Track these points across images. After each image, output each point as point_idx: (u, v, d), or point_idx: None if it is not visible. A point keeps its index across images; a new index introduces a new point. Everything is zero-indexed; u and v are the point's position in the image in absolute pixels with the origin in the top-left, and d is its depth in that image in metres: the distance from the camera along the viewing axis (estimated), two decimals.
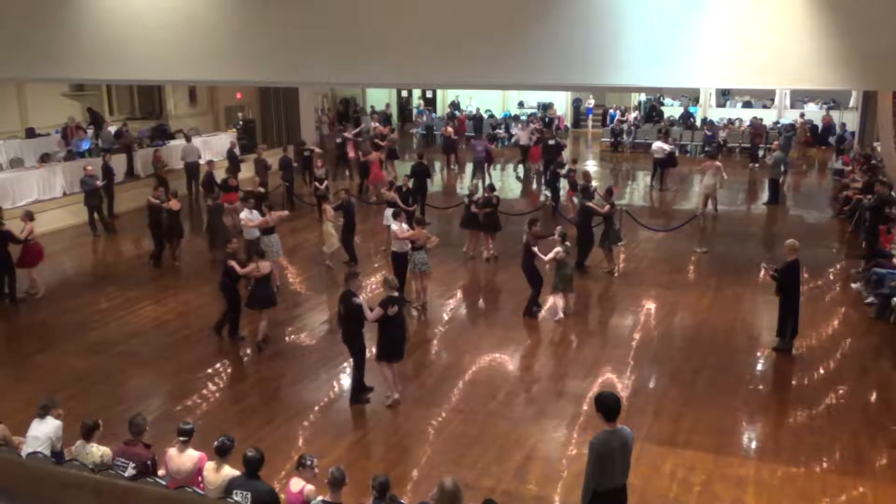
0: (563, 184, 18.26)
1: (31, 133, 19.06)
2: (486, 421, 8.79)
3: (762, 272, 13.54)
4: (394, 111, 33.09)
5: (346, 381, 9.35)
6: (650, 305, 12.45)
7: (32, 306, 12.62)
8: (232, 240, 11.76)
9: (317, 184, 17.23)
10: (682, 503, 7.30)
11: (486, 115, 30.54)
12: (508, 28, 8.41)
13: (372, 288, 13.10)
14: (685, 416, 8.83)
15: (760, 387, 9.73)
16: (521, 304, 11.95)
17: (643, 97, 31.26)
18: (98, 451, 6.50)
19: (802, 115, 27.82)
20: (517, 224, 15.28)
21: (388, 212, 14.11)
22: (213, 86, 23.10)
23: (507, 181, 23.28)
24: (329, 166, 19.06)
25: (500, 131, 29.09)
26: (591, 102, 31.86)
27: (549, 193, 18.97)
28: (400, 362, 9.24)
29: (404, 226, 12.31)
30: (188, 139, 20.52)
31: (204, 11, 9.53)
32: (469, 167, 23.82)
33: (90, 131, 19.97)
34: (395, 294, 8.94)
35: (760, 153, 25.25)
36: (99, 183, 16.66)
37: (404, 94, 34.21)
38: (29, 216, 12.79)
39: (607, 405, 5.81)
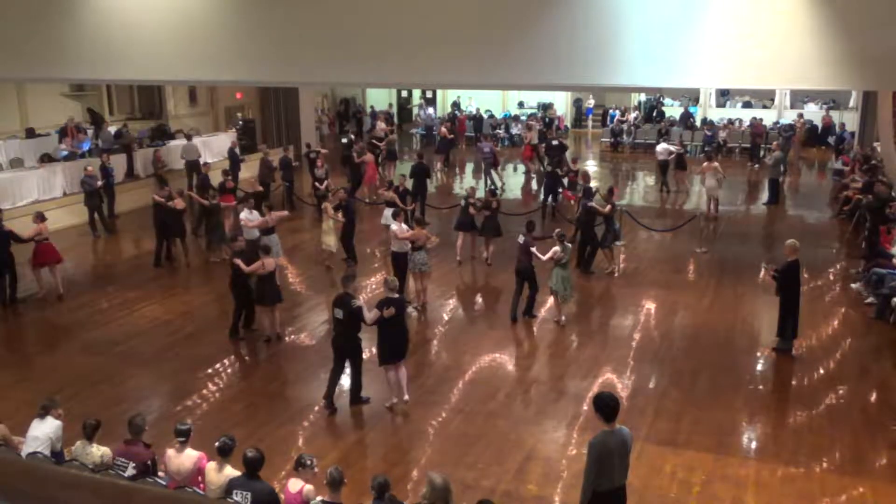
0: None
1: (31, 133, 19.04)
2: (486, 421, 8.79)
3: (762, 272, 13.55)
4: (394, 111, 33.13)
5: (345, 381, 9.35)
6: (650, 305, 12.45)
7: (33, 306, 12.61)
8: (237, 238, 11.77)
9: (317, 184, 17.25)
10: (682, 503, 7.30)
11: (486, 115, 30.55)
12: (508, 28, 8.41)
13: (371, 288, 13.11)
14: (685, 416, 8.83)
15: (760, 387, 9.73)
16: (520, 305, 11.91)
17: (643, 97, 31.25)
18: (98, 451, 6.50)
19: (801, 116, 27.83)
20: (518, 224, 15.26)
21: (387, 212, 14.12)
22: (213, 86, 23.09)
23: (517, 181, 23.29)
24: (329, 166, 19.03)
25: (500, 131, 29.09)
26: (591, 102, 31.85)
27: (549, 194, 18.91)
28: (404, 365, 9.18)
29: (404, 226, 12.31)
30: (189, 138, 20.55)
31: (204, 12, 9.52)
32: (469, 168, 23.83)
33: (90, 132, 19.96)
34: (394, 296, 8.90)
35: (761, 153, 25.28)
36: (99, 183, 16.69)
37: (404, 94, 34.21)
38: (40, 217, 12.83)
39: (606, 406, 5.82)
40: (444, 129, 24.67)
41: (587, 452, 5.83)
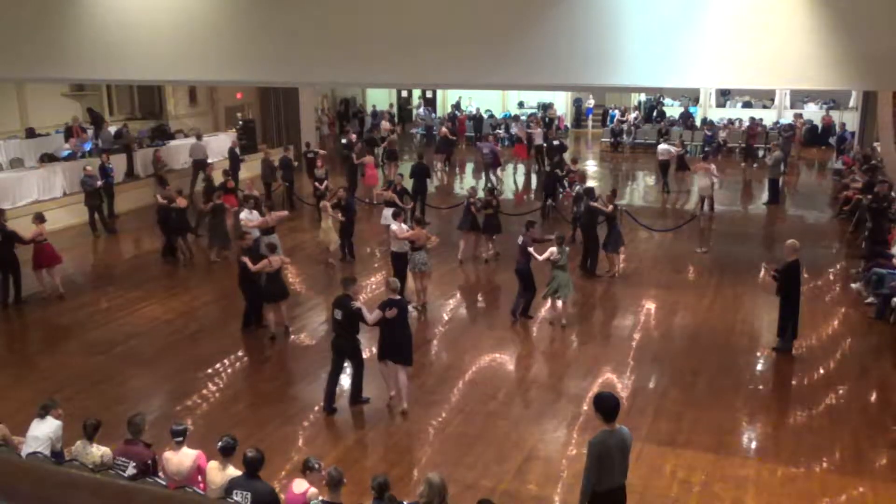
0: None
1: (31, 133, 19.04)
2: (486, 421, 8.79)
3: (762, 272, 13.54)
4: (395, 111, 33.14)
5: (346, 381, 9.35)
6: (650, 305, 12.45)
7: (33, 306, 12.61)
8: (245, 236, 11.80)
9: (317, 184, 17.26)
10: (682, 503, 7.30)
11: (486, 116, 30.54)
12: (508, 28, 8.41)
13: (371, 288, 13.11)
14: (685, 416, 8.83)
15: (760, 387, 9.73)
16: (522, 304, 11.90)
17: (643, 97, 31.24)
18: (98, 451, 6.50)
19: (801, 116, 27.83)
20: (517, 224, 15.27)
21: (387, 212, 14.14)
22: (213, 86, 23.10)
23: (518, 180, 23.28)
24: (329, 166, 19.06)
25: (500, 131, 29.08)
26: (591, 102, 31.85)
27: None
28: (410, 368, 9.13)
29: (404, 226, 12.31)
30: (198, 137, 20.75)
31: (204, 11, 9.52)
32: (469, 168, 23.84)
33: (90, 132, 19.96)
34: (396, 297, 8.92)
35: (760, 153, 25.26)
36: (99, 183, 16.69)
37: (404, 94, 34.21)
38: (40, 218, 12.84)
39: (606, 405, 5.82)
40: (445, 130, 24.68)
41: (587, 452, 5.84)
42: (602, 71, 8.38)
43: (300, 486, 5.99)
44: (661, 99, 30.88)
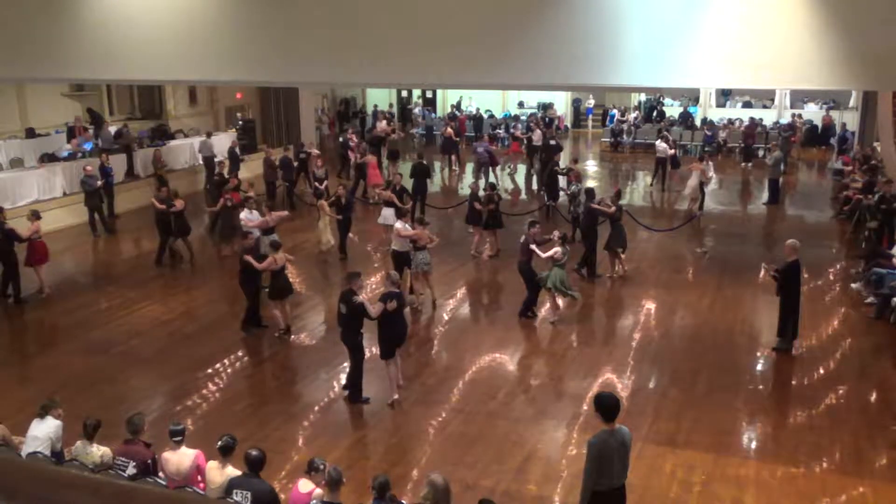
0: (562, 182, 18.20)
1: (31, 133, 19.04)
2: (486, 421, 8.79)
3: (762, 272, 13.54)
4: (395, 111, 33.15)
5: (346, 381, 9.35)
6: (650, 305, 12.45)
7: (33, 306, 12.61)
8: (248, 235, 11.81)
9: (317, 184, 17.26)
10: (682, 503, 7.30)
11: (486, 116, 30.54)
12: (508, 28, 8.41)
13: (372, 288, 13.10)
14: (685, 416, 8.83)
15: (760, 387, 9.73)
16: (521, 304, 11.91)
17: (643, 97, 31.25)
18: (98, 451, 6.50)
19: (800, 116, 27.79)
20: (519, 223, 15.28)
21: (386, 211, 14.17)
22: (213, 86, 23.11)
23: (518, 180, 23.23)
24: (328, 166, 19.06)
25: (500, 131, 29.08)
26: (591, 102, 31.83)
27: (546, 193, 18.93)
28: (402, 362, 9.20)
29: (407, 225, 12.33)
30: (208, 135, 20.98)
31: (204, 12, 9.52)
32: (469, 168, 23.80)
33: (90, 131, 19.97)
34: (395, 289, 8.95)
35: (760, 153, 25.25)
36: (99, 183, 16.69)
37: (404, 94, 34.22)
38: (36, 215, 12.86)
39: (606, 405, 5.83)
40: (449, 130, 24.71)
41: (587, 452, 5.84)
42: (602, 71, 8.38)
43: (306, 486, 5.98)
44: (661, 99, 30.87)
